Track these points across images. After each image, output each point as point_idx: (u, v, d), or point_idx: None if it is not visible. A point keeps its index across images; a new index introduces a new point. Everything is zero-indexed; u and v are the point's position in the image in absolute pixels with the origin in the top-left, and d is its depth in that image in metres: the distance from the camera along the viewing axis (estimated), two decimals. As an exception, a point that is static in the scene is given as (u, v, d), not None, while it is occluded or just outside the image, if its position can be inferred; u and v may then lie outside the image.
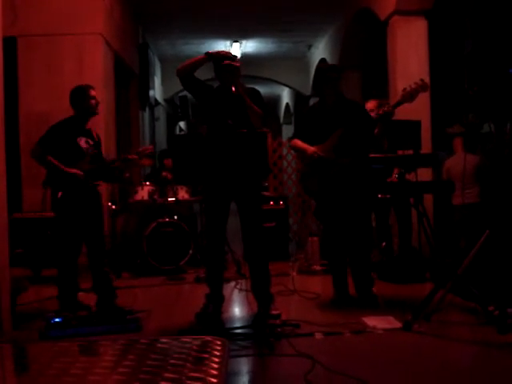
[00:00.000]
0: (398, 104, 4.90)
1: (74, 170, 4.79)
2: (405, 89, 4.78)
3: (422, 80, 4.76)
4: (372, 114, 5.38)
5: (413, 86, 4.72)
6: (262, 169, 4.52)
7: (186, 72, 4.46)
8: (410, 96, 4.74)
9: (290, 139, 5.31)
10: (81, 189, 4.85)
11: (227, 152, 4.32)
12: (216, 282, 4.55)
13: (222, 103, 4.46)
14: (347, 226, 5.04)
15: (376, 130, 5.03)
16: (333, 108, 5.00)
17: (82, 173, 4.81)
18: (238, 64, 4.45)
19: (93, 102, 4.93)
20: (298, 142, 5.09)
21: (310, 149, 4.93)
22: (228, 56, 4.46)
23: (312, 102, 13.66)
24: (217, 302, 4.51)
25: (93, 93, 4.95)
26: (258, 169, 4.44)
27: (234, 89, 4.35)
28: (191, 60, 4.47)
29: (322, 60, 12.17)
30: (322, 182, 4.99)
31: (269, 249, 4.62)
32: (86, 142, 4.95)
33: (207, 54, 4.42)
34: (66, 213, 4.85)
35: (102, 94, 7.46)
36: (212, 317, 4.43)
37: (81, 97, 4.92)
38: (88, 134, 5.02)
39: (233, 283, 5.87)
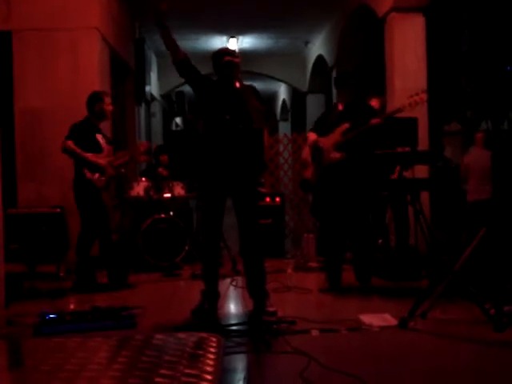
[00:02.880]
0: (397, 111, 4.97)
1: (100, 161, 5.49)
2: (411, 96, 4.84)
3: (422, 91, 4.81)
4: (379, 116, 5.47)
5: (416, 98, 4.77)
6: (258, 165, 4.52)
7: (173, 55, 4.41)
8: (409, 107, 4.84)
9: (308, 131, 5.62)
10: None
11: (223, 148, 4.32)
12: (212, 279, 4.53)
13: (220, 98, 4.43)
14: (344, 219, 5.19)
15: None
16: (345, 107, 5.24)
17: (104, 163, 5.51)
18: (238, 59, 4.44)
19: (108, 108, 5.66)
20: (311, 135, 5.35)
21: (311, 138, 5.22)
22: (224, 52, 4.47)
23: (309, 98, 13.70)
24: (212, 299, 4.50)
25: (108, 100, 5.67)
26: (254, 165, 4.44)
27: (237, 84, 4.32)
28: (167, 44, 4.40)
29: (320, 57, 12.15)
30: (318, 173, 5.17)
31: (265, 245, 4.61)
32: (102, 138, 5.65)
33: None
34: (88, 195, 5.50)
35: (98, 90, 7.44)
36: (208, 313, 4.42)
37: (97, 102, 5.59)
38: (102, 132, 5.74)
39: (228, 280, 5.85)
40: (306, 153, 5.38)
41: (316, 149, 5.13)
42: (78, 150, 5.43)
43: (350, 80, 5.26)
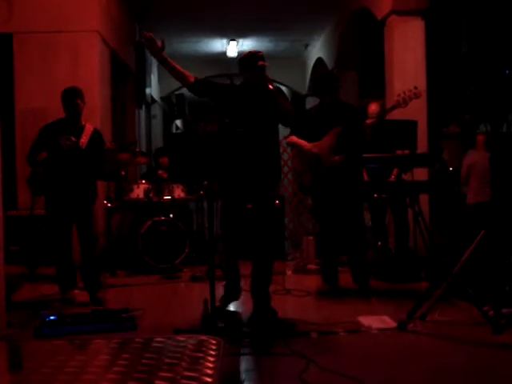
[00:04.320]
0: (393, 108, 5.00)
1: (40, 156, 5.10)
2: (399, 94, 4.88)
3: (415, 87, 4.85)
4: (374, 117, 5.50)
5: (407, 93, 4.81)
6: (273, 170, 4.57)
7: (182, 82, 4.57)
8: (403, 102, 4.86)
9: (287, 136, 5.54)
10: (60, 185, 5.13)
11: (222, 150, 4.34)
12: (233, 273, 4.66)
13: (249, 101, 4.47)
14: (340, 222, 5.25)
15: (368, 136, 5.11)
16: (329, 110, 5.25)
17: (43, 156, 5.08)
18: (267, 64, 4.48)
19: (65, 108, 5.22)
20: (294, 138, 5.35)
21: (306, 146, 5.19)
22: (255, 56, 4.47)
23: (308, 101, 13.69)
24: (234, 293, 4.65)
25: (66, 101, 5.21)
26: (268, 170, 4.47)
27: (271, 86, 4.37)
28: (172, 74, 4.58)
29: (319, 60, 12.18)
30: (315, 179, 5.18)
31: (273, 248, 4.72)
32: (68, 139, 5.11)
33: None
34: (48, 209, 5.23)
35: (98, 92, 7.46)
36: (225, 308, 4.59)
37: (63, 102, 5.24)
38: (77, 131, 5.23)
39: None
40: (297, 161, 5.46)
41: (310, 155, 5.18)
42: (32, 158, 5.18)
43: (331, 83, 5.28)
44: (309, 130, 5.26)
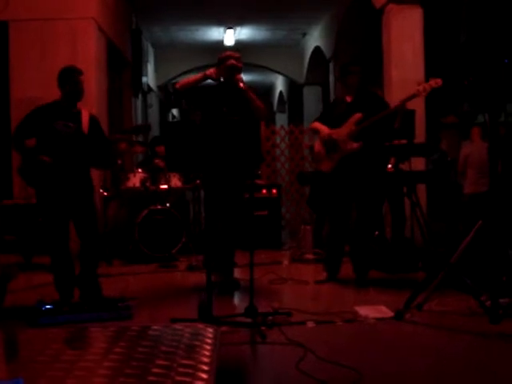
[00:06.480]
0: (412, 97, 4.91)
1: (44, 158, 4.50)
2: (419, 84, 4.83)
3: (436, 79, 4.82)
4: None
5: (428, 82, 4.77)
6: (254, 157, 4.54)
7: (185, 89, 4.94)
8: (423, 91, 4.81)
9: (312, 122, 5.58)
10: (57, 175, 4.55)
11: (220, 138, 4.33)
12: (220, 251, 4.95)
13: (223, 97, 4.82)
14: (353, 210, 5.22)
15: (396, 123, 5.05)
16: (353, 98, 5.20)
17: (48, 160, 4.49)
18: (240, 64, 4.92)
19: (64, 88, 4.63)
20: (317, 124, 5.35)
21: (325, 131, 5.18)
22: (229, 56, 4.91)
23: (305, 90, 13.70)
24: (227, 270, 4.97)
25: (67, 79, 4.61)
26: (249, 156, 4.45)
27: (242, 85, 4.76)
28: (190, 80, 4.96)
29: (317, 49, 12.15)
30: (332, 165, 5.15)
31: (260, 236, 4.86)
32: (65, 126, 4.59)
33: (205, 75, 4.88)
34: (43, 201, 4.67)
35: (95, 80, 7.42)
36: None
37: (66, 80, 4.62)
38: (73, 117, 4.66)
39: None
40: (317, 146, 5.33)
41: (329, 141, 5.13)
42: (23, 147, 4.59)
43: (351, 67, 5.21)
44: (332, 117, 5.23)
